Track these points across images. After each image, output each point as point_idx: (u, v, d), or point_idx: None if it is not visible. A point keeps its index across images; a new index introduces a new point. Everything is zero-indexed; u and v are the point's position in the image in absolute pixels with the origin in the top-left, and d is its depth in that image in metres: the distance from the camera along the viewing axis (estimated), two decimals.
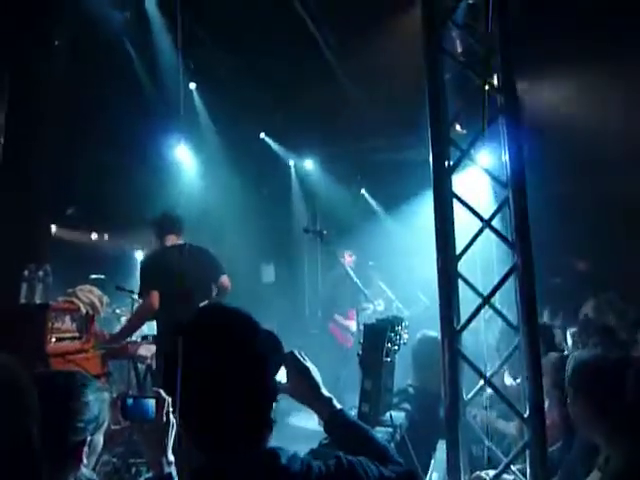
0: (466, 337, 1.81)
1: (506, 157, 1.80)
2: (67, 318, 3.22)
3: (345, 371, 5.22)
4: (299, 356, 1.32)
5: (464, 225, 1.87)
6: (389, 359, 1.86)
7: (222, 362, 1.00)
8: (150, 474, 1.24)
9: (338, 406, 1.30)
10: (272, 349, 1.09)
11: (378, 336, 1.76)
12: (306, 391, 1.29)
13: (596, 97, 5.45)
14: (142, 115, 5.20)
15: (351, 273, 3.99)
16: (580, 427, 1.85)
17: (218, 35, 5.28)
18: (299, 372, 1.29)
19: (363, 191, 8.72)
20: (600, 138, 5.51)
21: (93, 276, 5.37)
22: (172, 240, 3.81)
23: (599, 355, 1.73)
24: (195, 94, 6.11)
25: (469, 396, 1.79)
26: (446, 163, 1.79)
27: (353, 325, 5.45)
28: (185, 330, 1.04)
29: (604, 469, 1.71)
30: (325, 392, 1.31)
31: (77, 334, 3.28)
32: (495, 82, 1.85)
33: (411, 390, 2.80)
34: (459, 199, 1.80)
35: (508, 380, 3.10)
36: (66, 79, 4.12)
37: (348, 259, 5.72)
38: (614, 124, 5.44)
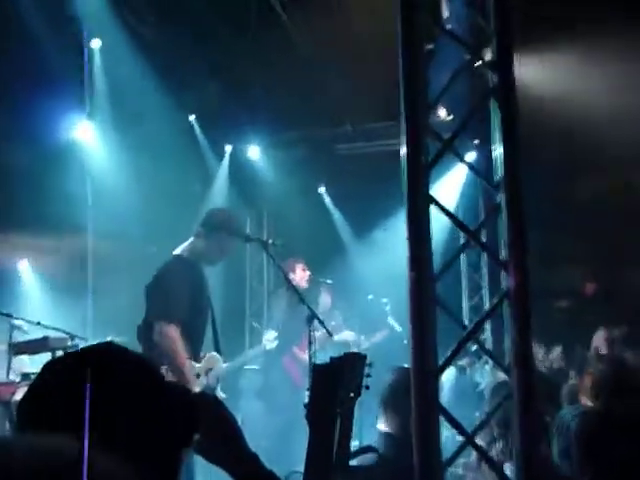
0: (446, 375, 1.81)
1: (498, 151, 1.81)
2: None
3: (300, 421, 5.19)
4: (213, 400, 1.27)
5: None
6: (345, 410, 1.81)
7: (106, 427, 0.93)
8: None
9: (266, 469, 1.27)
10: (183, 414, 1.02)
11: (330, 380, 1.72)
12: (222, 448, 1.24)
13: (604, 79, 5.60)
14: (28, 79, 5.00)
15: (298, 293, 3.96)
16: None
17: None
18: (213, 422, 1.23)
19: (322, 190, 8.74)
20: (603, 129, 5.69)
21: None
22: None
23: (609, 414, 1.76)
24: (98, 56, 5.91)
25: (449, 457, 1.78)
26: (423, 158, 1.78)
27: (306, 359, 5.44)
28: (59, 382, 0.96)
29: None
30: (248, 449, 1.27)
31: None
32: (488, 56, 1.86)
33: (381, 440, 2.78)
34: (438, 205, 1.79)
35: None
36: None
37: (301, 274, 5.68)
38: (620, 113, 5.61)
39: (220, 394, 3.85)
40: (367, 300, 6.81)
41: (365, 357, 2.06)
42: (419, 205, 1.80)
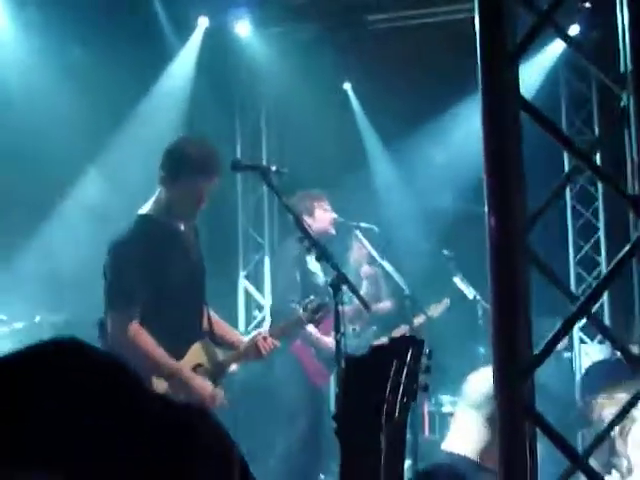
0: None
1: (624, 26, 1.77)
2: None
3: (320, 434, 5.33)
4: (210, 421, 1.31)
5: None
6: (395, 422, 1.86)
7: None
8: None
9: None
10: (174, 443, 1.06)
11: (371, 379, 1.77)
12: None
13: None
14: None
15: (318, 245, 3.97)
16: None
17: None
18: (211, 453, 1.27)
19: (347, 87, 8.65)
20: None
21: None
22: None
23: None
24: None
25: None
26: (509, 38, 1.75)
27: (330, 343, 5.51)
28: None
29: None
30: None
31: None
32: None
33: (460, 467, 2.89)
34: (533, 111, 1.77)
35: None
36: None
37: (322, 216, 5.70)
38: None
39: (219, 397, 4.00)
40: (420, 253, 6.86)
41: (422, 343, 2.09)
42: (503, 112, 1.78)
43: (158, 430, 1.09)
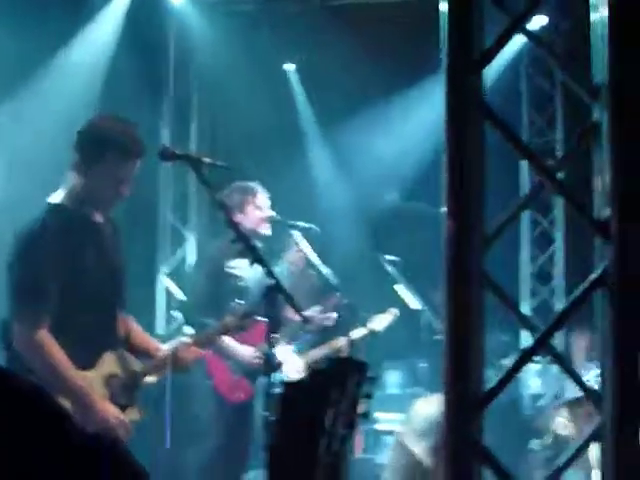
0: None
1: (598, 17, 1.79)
2: None
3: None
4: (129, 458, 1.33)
5: None
6: (336, 455, 1.89)
7: None
8: None
9: None
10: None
11: (310, 409, 1.78)
12: None
13: None
14: None
15: (251, 247, 3.96)
16: None
17: None
18: None
19: (289, 67, 8.62)
20: None
21: None
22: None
23: None
24: None
25: None
26: (475, 42, 1.78)
27: (250, 356, 5.49)
28: None
29: None
30: None
31: None
32: None
33: None
34: (497, 122, 1.80)
35: None
36: None
37: (255, 214, 5.67)
38: None
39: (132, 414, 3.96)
40: (357, 255, 6.88)
41: (364, 366, 2.10)
42: (465, 120, 1.80)
43: (72, 458, 1.12)
